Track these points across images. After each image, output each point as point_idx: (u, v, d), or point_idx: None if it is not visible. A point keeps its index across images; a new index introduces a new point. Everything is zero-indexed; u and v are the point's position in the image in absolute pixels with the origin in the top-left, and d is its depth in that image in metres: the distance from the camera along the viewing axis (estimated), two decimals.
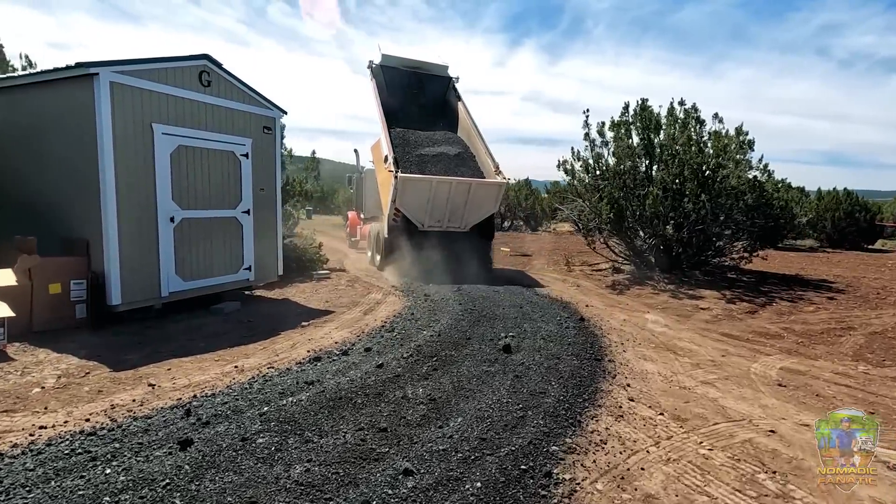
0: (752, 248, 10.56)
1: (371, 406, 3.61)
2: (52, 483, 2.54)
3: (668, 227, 9.70)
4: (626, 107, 10.28)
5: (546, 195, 26.73)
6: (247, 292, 7.55)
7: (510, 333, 5.65)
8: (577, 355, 4.98)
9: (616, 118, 10.33)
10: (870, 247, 20.22)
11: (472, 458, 2.93)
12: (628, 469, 2.95)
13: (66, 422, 3.30)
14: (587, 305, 7.70)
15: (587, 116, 10.44)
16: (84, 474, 2.62)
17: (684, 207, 9.38)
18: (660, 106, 10.22)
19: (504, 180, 9.81)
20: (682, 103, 9.97)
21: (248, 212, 7.02)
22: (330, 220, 29.25)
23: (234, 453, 2.87)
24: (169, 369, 4.41)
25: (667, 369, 4.82)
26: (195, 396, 3.74)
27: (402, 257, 9.78)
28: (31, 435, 3.09)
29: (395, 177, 8.97)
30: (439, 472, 2.76)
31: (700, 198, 9.23)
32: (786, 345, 5.84)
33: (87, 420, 3.32)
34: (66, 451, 2.84)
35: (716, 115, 9.80)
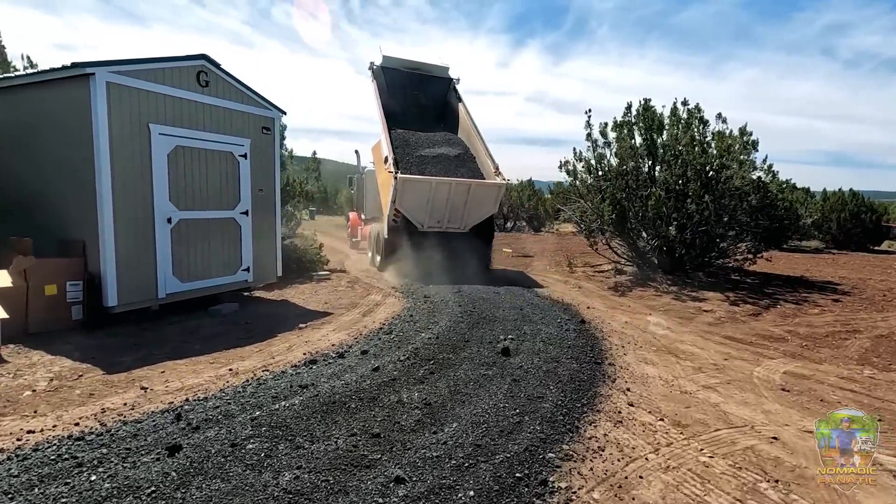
0: (756, 249, 10.43)
1: (365, 411, 3.55)
2: (36, 490, 2.49)
3: (670, 228, 9.61)
4: (629, 107, 10.21)
5: (549, 196, 26.61)
6: (245, 293, 7.51)
7: (509, 336, 5.58)
8: (576, 358, 4.91)
9: (619, 118, 10.26)
10: (876, 248, 20.00)
11: (466, 465, 2.86)
12: (626, 477, 2.88)
13: (54, 426, 3.25)
14: (588, 307, 7.62)
15: (589, 117, 10.38)
16: (69, 481, 2.57)
17: (687, 208, 9.28)
18: (663, 106, 10.16)
19: (503, 181, 9.77)
20: (685, 103, 9.88)
21: (246, 213, 6.98)
22: (333, 221, 29.26)
23: (222, 459, 2.82)
24: (163, 372, 4.36)
25: (668, 373, 4.74)
26: (187, 400, 3.69)
27: (402, 258, 9.75)
28: (18, 440, 3.04)
29: (395, 178, 8.95)
30: (431, 480, 2.69)
31: (703, 199, 9.14)
32: (790, 348, 5.74)
33: (77, 424, 3.28)
34: (53, 457, 2.80)
35: (719, 115, 9.71)
